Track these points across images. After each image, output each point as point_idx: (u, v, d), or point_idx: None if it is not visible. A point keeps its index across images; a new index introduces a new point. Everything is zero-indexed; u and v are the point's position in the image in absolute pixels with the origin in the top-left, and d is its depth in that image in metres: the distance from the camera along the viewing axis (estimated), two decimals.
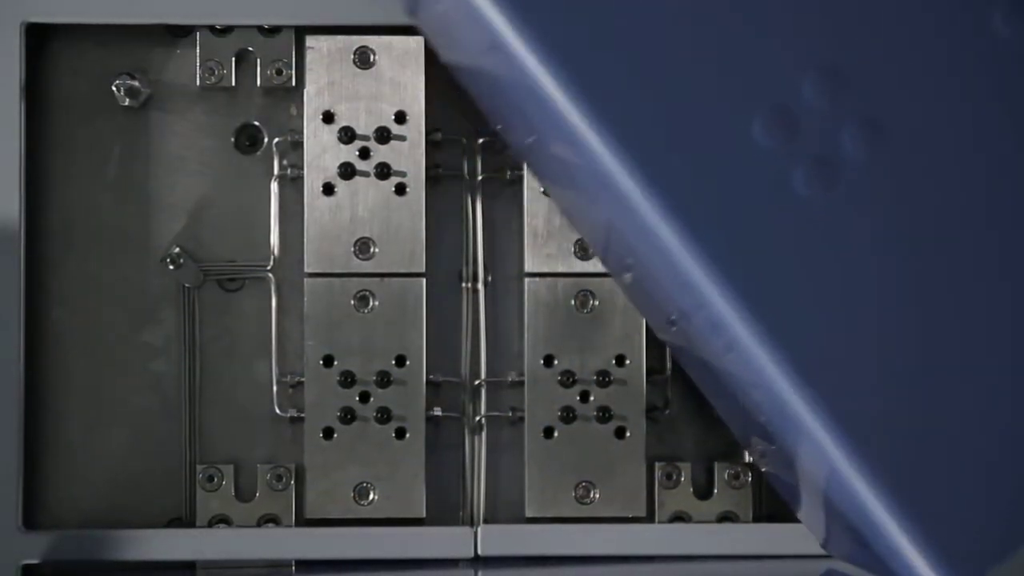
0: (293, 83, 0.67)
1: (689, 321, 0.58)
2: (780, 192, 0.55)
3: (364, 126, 0.67)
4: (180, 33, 0.68)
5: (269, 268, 0.68)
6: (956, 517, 0.55)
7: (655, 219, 0.54)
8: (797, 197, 0.55)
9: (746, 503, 0.68)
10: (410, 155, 0.67)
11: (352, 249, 0.67)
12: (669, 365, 0.68)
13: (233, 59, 0.67)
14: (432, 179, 0.68)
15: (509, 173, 0.68)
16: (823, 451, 0.55)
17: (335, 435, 0.67)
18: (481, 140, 0.68)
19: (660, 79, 0.54)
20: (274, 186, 0.68)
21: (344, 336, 0.67)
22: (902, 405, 0.55)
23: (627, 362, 0.67)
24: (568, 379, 0.67)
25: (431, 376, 0.67)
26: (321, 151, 0.67)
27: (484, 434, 0.68)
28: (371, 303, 0.67)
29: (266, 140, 0.68)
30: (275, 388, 0.68)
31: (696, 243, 0.54)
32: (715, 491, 0.68)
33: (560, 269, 0.67)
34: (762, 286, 0.55)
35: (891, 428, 0.55)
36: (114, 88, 0.67)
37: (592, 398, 0.67)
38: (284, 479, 0.67)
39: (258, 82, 0.68)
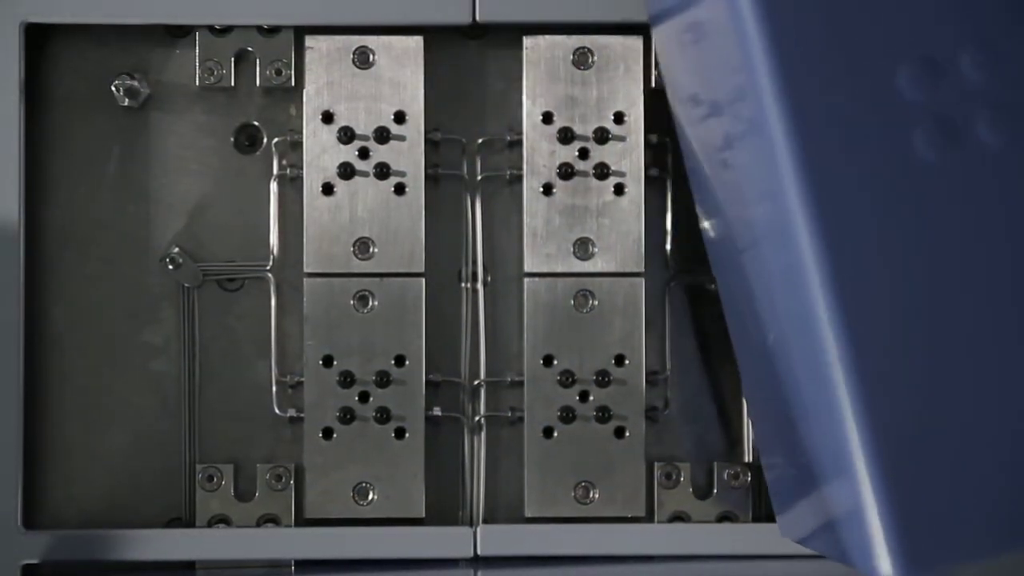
0: (292, 83, 0.67)
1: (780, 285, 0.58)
2: (899, 142, 0.55)
3: (363, 126, 0.67)
4: (179, 33, 0.68)
5: (268, 268, 0.68)
6: (935, 525, 0.55)
7: (781, 131, 0.55)
8: (914, 154, 0.55)
9: (745, 503, 0.68)
10: (409, 155, 0.67)
11: (351, 249, 0.67)
12: (668, 365, 0.68)
13: (232, 59, 0.67)
14: (431, 179, 0.68)
15: (508, 173, 0.68)
16: (854, 449, 0.55)
17: (334, 435, 0.67)
18: (481, 140, 0.68)
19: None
20: (273, 186, 0.68)
21: (343, 336, 0.67)
22: (939, 412, 0.55)
23: (626, 362, 0.67)
24: (567, 379, 0.67)
25: (430, 376, 0.67)
26: (320, 151, 0.67)
27: (484, 434, 0.68)
28: (370, 303, 0.67)
29: (265, 140, 0.68)
30: (275, 388, 0.68)
31: (803, 163, 0.55)
32: (714, 491, 0.68)
33: (559, 269, 0.67)
34: (847, 229, 0.55)
35: (922, 438, 0.55)
36: (114, 88, 0.67)
37: (591, 398, 0.67)
38: (284, 479, 0.67)
39: (257, 82, 0.68)
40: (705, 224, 0.65)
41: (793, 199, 0.55)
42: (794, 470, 0.62)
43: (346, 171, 0.67)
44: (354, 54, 0.67)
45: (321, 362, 0.67)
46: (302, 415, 0.67)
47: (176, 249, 0.67)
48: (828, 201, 0.55)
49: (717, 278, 0.65)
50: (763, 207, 0.58)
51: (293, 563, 0.67)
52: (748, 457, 0.68)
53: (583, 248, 0.67)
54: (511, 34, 0.68)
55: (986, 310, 0.56)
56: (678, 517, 0.68)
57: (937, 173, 0.55)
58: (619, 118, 0.67)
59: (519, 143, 0.68)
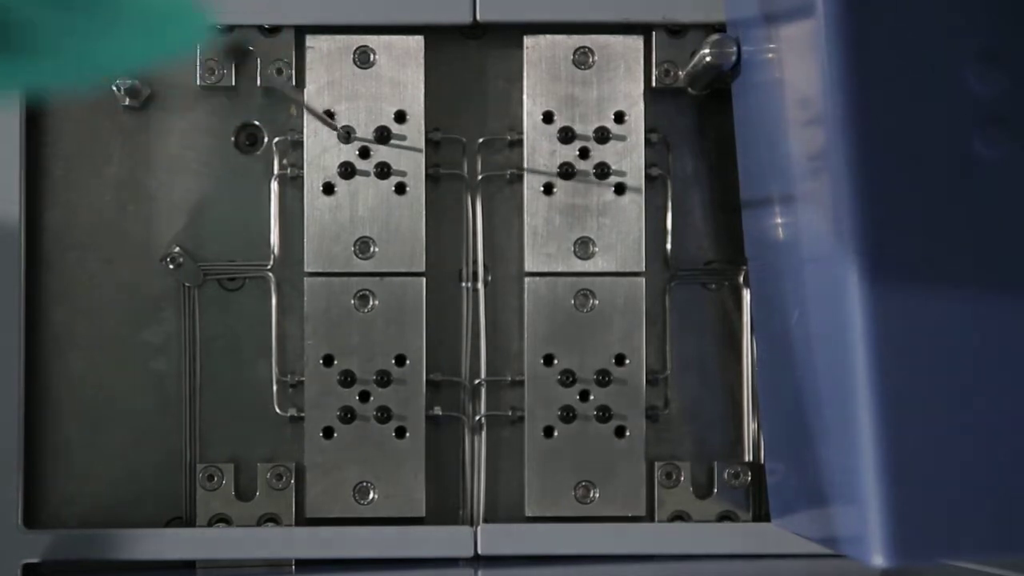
0: (293, 82, 0.67)
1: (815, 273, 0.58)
2: (957, 135, 0.55)
3: (364, 125, 0.67)
4: None
5: (269, 267, 0.68)
6: (931, 519, 0.55)
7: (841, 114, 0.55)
8: (969, 146, 0.55)
9: (745, 503, 0.68)
10: (410, 155, 0.67)
11: (352, 249, 0.67)
12: (669, 365, 0.68)
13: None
14: (432, 179, 0.68)
15: (509, 173, 0.68)
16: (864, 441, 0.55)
17: (335, 434, 0.67)
18: (481, 140, 0.68)
19: None
20: (274, 186, 0.68)
21: (344, 335, 0.67)
22: (956, 416, 0.55)
23: (627, 362, 0.67)
24: (568, 379, 0.67)
25: (431, 376, 0.68)
26: (321, 151, 0.67)
27: (484, 434, 0.68)
28: (371, 303, 0.67)
29: (266, 140, 0.68)
30: (275, 387, 0.68)
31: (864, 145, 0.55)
32: (715, 490, 0.68)
33: (560, 268, 0.67)
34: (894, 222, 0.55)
35: (932, 437, 0.55)
36: (114, 88, 0.67)
37: (592, 398, 0.67)
38: (284, 478, 0.67)
39: (258, 82, 0.68)
40: (747, 206, 0.65)
41: (843, 183, 0.55)
42: (800, 456, 0.62)
43: (347, 171, 0.67)
44: (355, 54, 0.67)
45: (321, 361, 0.67)
46: (303, 414, 0.67)
47: (177, 248, 0.67)
48: (877, 185, 0.55)
49: (749, 261, 0.65)
50: (811, 188, 0.57)
51: (293, 563, 0.67)
52: (748, 457, 0.68)
53: (583, 248, 0.67)
54: (511, 34, 0.68)
55: (1018, 316, 0.56)
56: (678, 517, 0.68)
57: (992, 170, 0.55)
58: (619, 117, 0.67)
59: (519, 143, 0.68)
